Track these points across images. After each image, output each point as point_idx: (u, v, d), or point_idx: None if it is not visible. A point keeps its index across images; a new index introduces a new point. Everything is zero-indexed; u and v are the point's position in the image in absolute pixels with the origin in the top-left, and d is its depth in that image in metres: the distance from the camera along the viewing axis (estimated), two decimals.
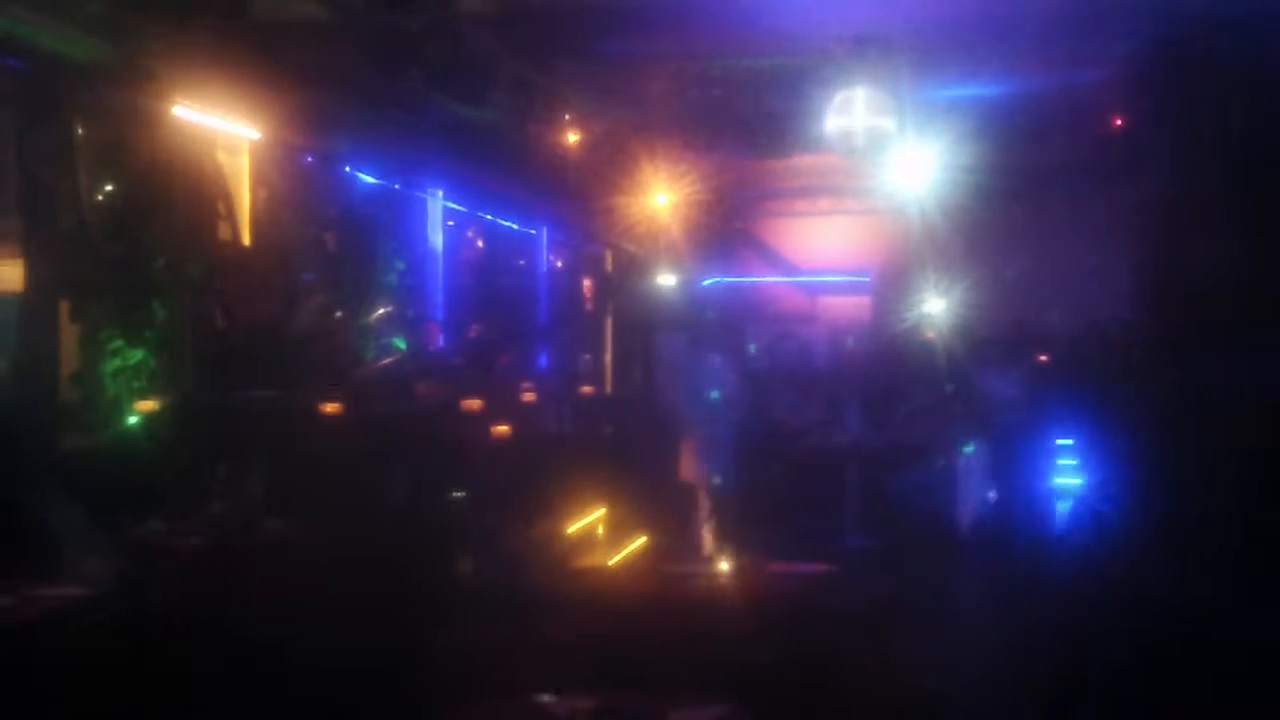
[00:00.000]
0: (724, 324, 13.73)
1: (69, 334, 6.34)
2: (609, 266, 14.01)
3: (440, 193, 9.62)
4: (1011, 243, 11.05)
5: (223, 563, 4.77)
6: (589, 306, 13.85)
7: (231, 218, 7.61)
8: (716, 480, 8.58)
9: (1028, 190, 10.51)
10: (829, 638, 4.19)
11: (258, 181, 7.81)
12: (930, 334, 11.15)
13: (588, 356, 13.50)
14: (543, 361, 11.64)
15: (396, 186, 9.09)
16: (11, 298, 6.35)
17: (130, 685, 3.73)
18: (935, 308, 11.14)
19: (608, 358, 13.86)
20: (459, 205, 10.13)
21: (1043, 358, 9.62)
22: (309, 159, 8.38)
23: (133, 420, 6.22)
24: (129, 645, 3.82)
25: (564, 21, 8.16)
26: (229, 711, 4.06)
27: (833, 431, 9.23)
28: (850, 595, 4.66)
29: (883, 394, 9.40)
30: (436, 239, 9.61)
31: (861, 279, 13.67)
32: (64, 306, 6.29)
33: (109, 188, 6.72)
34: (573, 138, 9.79)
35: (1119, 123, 8.76)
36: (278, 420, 6.36)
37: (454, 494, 6.35)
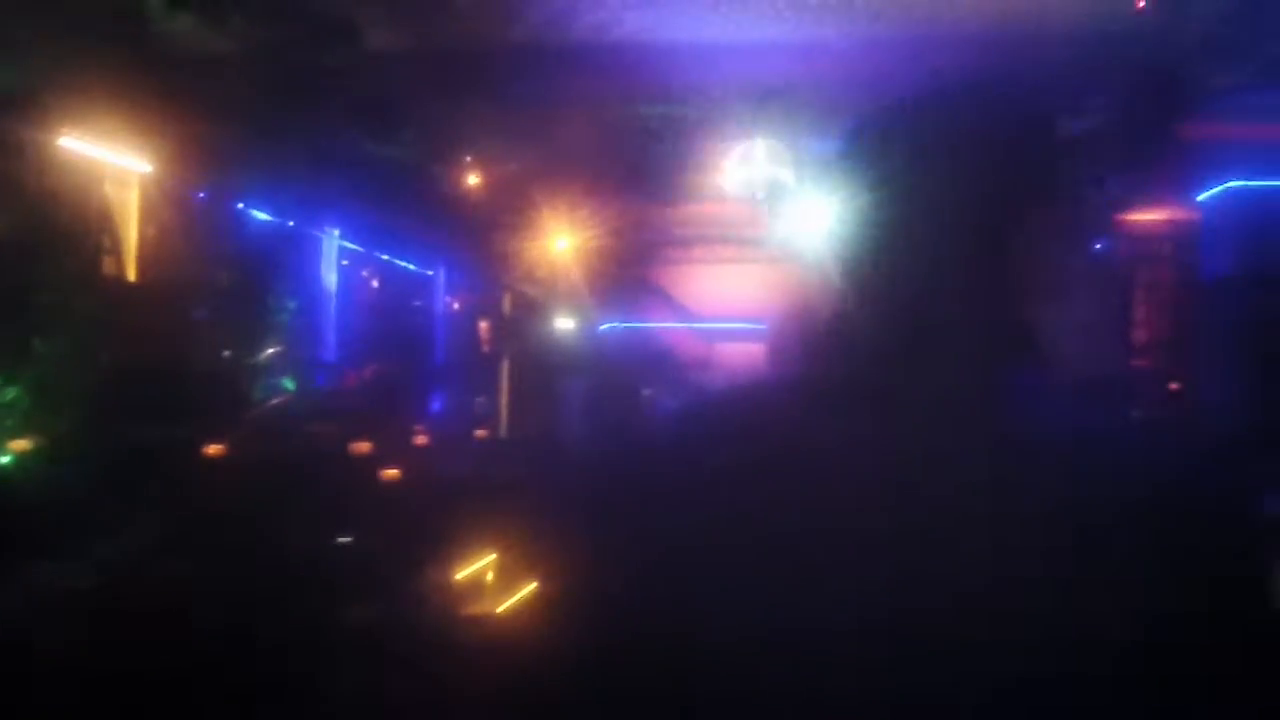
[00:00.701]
0: (621, 369, 13.78)
1: None
2: (507, 309, 13.95)
3: (336, 231, 9.50)
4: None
5: (110, 604, 4.61)
6: (486, 348, 13.76)
7: (118, 253, 7.40)
8: (611, 522, 8.55)
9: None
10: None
11: (147, 216, 7.62)
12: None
13: (483, 399, 13.39)
14: (437, 403, 11.51)
15: (291, 224, 8.95)
16: None
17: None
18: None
19: (504, 400, 13.77)
20: (355, 244, 10.01)
21: None
22: (202, 194, 8.21)
23: (4, 460, 5.98)
24: (13, 685, 3.67)
25: (471, 63, 8.17)
26: None
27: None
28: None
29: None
30: (331, 278, 9.48)
31: (758, 326, 13.85)
32: None
33: None
34: (474, 179, 9.78)
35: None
36: (164, 460, 6.17)
37: (341, 538, 6.22)
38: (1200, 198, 9.10)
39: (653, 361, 14.42)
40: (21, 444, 6.00)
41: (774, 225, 10.29)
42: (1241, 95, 7.01)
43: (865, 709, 0.90)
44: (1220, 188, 8.91)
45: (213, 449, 6.33)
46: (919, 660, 0.90)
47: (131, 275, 7.47)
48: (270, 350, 8.61)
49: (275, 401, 8.24)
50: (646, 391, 14.15)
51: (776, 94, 8.43)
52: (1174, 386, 9.20)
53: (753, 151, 8.63)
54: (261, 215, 8.67)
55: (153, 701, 4.07)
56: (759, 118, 8.60)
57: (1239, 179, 8.78)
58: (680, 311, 14.59)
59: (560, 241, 11.04)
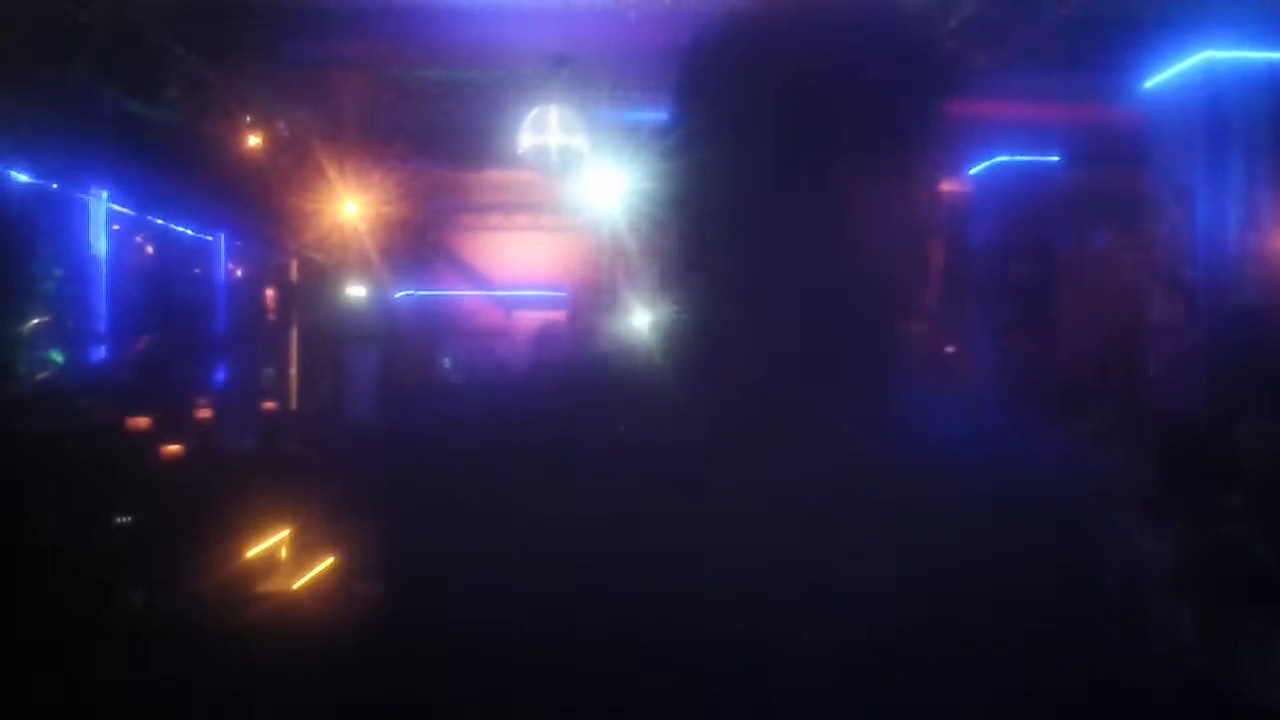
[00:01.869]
0: (417, 337, 13.55)
1: None
2: (294, 276, 13.48)
3: (105, 194, 8.93)
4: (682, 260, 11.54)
5: None
6: (272, 318, 13.27)
7: None
8: (405, 494, 8.42)
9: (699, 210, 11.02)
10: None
11: None
12: (615, 346, 11.42)
13: (271, 370, 12.93)
14: (221, 375, 11.04)
15: (55, 186, 8.36)
16: None
17: None
18: (633, 321, 11.45)
19: (293, 371, 13.33)
20: (127, 208, 9.44)
21: None
22: None
23: None
24: None
25: (247, 20, 7.80)
26: None
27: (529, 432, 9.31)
28: None
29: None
30: (100, 244, 8.91)
31: (557, 294, 13.89)
32: None
33: None
34: (254, 141, 9.37)
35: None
36: None
37: (117, 520, 5.89)
38: (972, 171, 9.64)
39: (449, 330, 14.26)
40: None
41: (569, 193, 10.30)
42: (1007, 76, 7.44)
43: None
44: (987, 163, 9.46)
45: None
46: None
47: None
48: (34, 321, 8.03)
49: (41, 375, 7.71)
50: (444, 360, 13.98)
51: (568, 59, 8.42)
52: (949, 350, 9.75)
53: (546, 118, 8.59)
54: (21, 176, 8.05)
55: None
56: (551, 83, 8.57)
57: (1005, 154, 9.35)
58: (477, 279, 14.46)
59: (351, 207, 10.73)
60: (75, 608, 4.89)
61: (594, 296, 12.77)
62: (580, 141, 8.56)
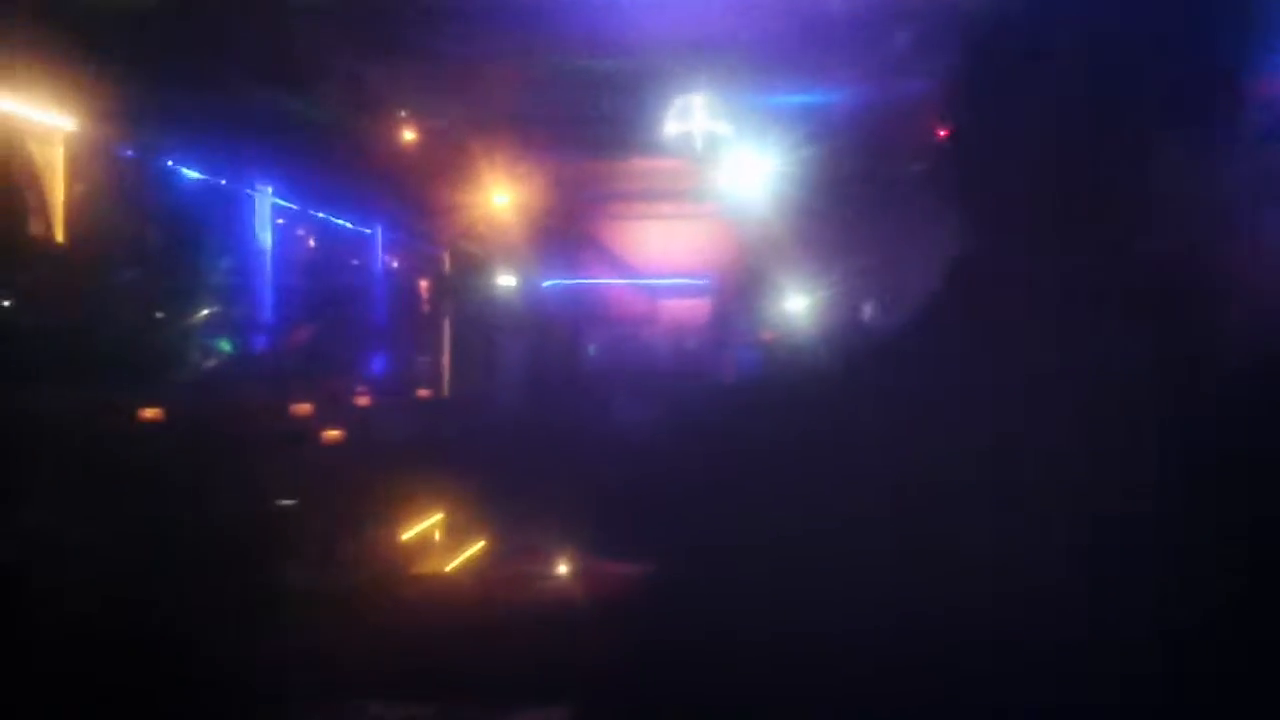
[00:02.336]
0: (565, 325, 13.75)
1: None
2: (447, 267, 13.83)
3: (270, 189, 9.32)
4: (843, 246, 11.38)
5: (38, 569, 4.52)
6: (426, 308, 13.65)
7: (44, 212, 7.20)
8: (557, 480, 8.56)
9: (859, 195, 10.85)
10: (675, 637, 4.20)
11: (74, 175, 7.41)
12: (769, 335, 11.39)
13: (425, 358, 13.30)
14: (377, 364, 11.40)
15: (223, 182, 8.76)
16: None
17: None
18: (776, 309, 11.37)
19: (445, 360, 13.68)
20: (290, 202, 9.83)
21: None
22: (131, 152, 8.01)
23: None
24: None
25: (400, 17, 8.02)
26: None
27: (673, 431, 9.32)
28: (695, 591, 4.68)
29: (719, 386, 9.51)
30: (265, 237, 9.31)
31: (701, 282, 13.88)
32: None
33: None
34: (409, 135, 9.63)
35: (942, 132, 9.12)
36: (97, 423, 6.04)
37: (283, 500, 6.15)
38: None
39: (596, 318, 14.41)
40: None
41: (714, 179, 10.28)
42: None
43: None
44: None
45: (149, 413, 6.22)
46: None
47: (59, 235, 7.28)
48: (205, 311, 8.45)
49: (211, 363, 8.10)
50: (590, 348, 14.14)
51: (713, 46, 8.39)
52: None
53: (690, 104, 8.58)
54: (192, 173, 8.47)
55: (81, 672, 4.01)
56: (698, 71, 8.56)
57: None
58: (622, 267, 14.57)
59: (500, 197, 10.94)
60: (240, 583, 5.13)
61: (739, 285, 12.72)
62: (724, 128, 8.53)
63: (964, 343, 0.94)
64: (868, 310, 9.99)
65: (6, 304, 6.41)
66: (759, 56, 8.53)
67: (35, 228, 7.15)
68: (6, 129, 6.42)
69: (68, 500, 4.96)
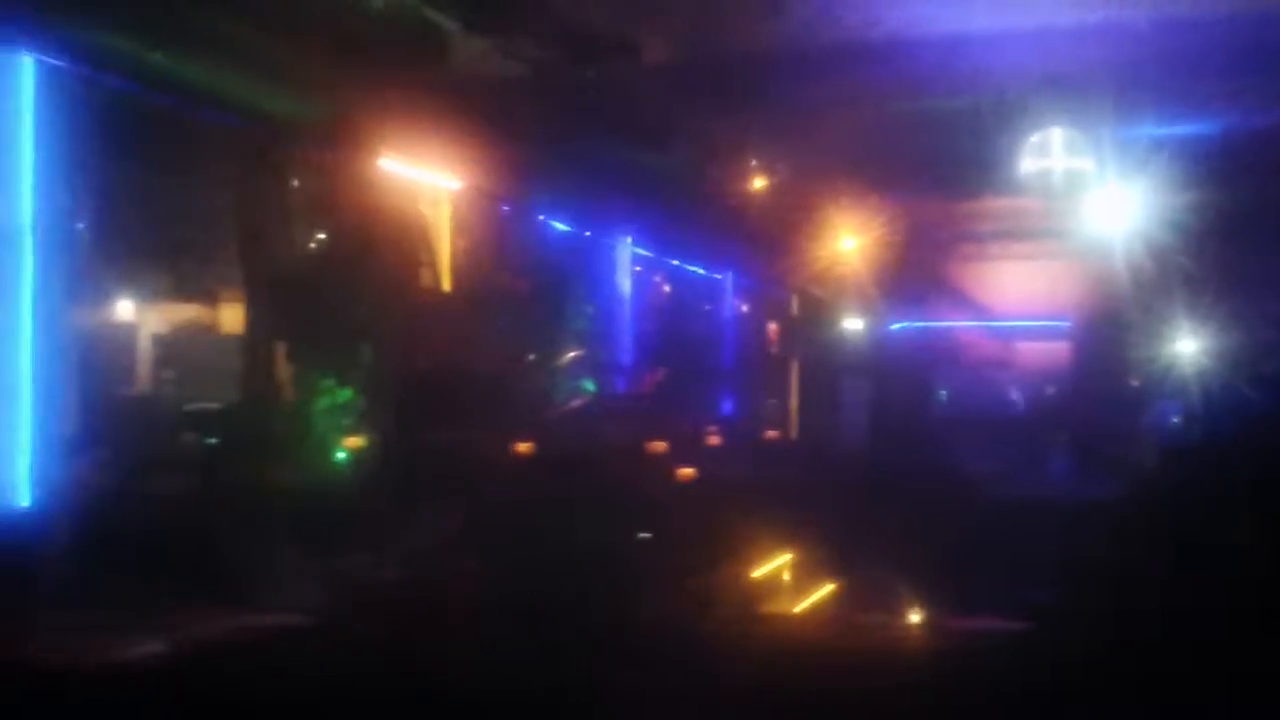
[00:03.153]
0: (913, 369, 13.48)
1: (284, 374, 6.72)
2: (794, 310, 13.96)
3: (629, 239, 9.81)
4: (1224, 285, 10.46)
5: (421, 595, 4.93)
6: (774, 350, 13.82)
7: (433, 265, 7.95)
8: (904, 526, 8.38)
9: (1240, 231, 9.95)
10: (1022, 700, 4.02)
11: (457, 230, 8.14)
12: (1136, 380, 10.66)
13: (772, 400, 13.46)
14: (727, 405, 11.66)
15: (587, 234, 9.32)
16: (233, 339, 6.77)
17: (336, 707, 3.90)
18: (1148, 351, 10.58)
19: (793, 402, 13.78)
20: (646, 251, 10.31)
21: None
22: (505, 208, 8.69)
23: (340, 456, 6.53)
24: (335, 669, 3.99)
25: (745, 69, 8.24)
26: None
27: (1029, 481, 8.88)
28: (1044, 654, 4.46)
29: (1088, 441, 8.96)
30: (624, 284, 9.80)
31: (1060, 324, 13.20)
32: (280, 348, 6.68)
33: (321, 237, 7.12)
34: (758, 183, 9.84)
35: None
36: (473, 459, 6.57)
37: (639, 534, 6.41)
38: None
39: (944, 361, 14.03)
40: (353, 441, 6.53)
41: (1073, 218, 9.77)
42: None
43: None
44: None
45: (521, 447, 6.68)
46: None
47: (445, 285, 8.00)
48: (570, 354, 9.00)
49: (576, 402, 8.60)
50: (941, 392, 13.78)
51: (1072, 80, 8.02)
52: None
53: (1048, 141, 8.24)
54: (560, 226, 9.08)
55: (451, 692, 4.32)
56: (1054, 106, 8.21)
57: None
58: (974, 309, 14.12)
59: (848, 241, 10.94)
60: (597, 610, 5.36)
61: (1102, 327, 11.98)
62: (1085, 164, 8.12)
63: None
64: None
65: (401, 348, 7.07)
66: (1123, 87, 8.06)
67: (425, 279, 7.91)
68: (400, 190, 7.12)
69: (451, 523, 5.39)
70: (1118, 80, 7.90)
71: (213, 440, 7.32)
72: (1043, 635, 4.94)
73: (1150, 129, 8.35)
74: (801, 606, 6.71)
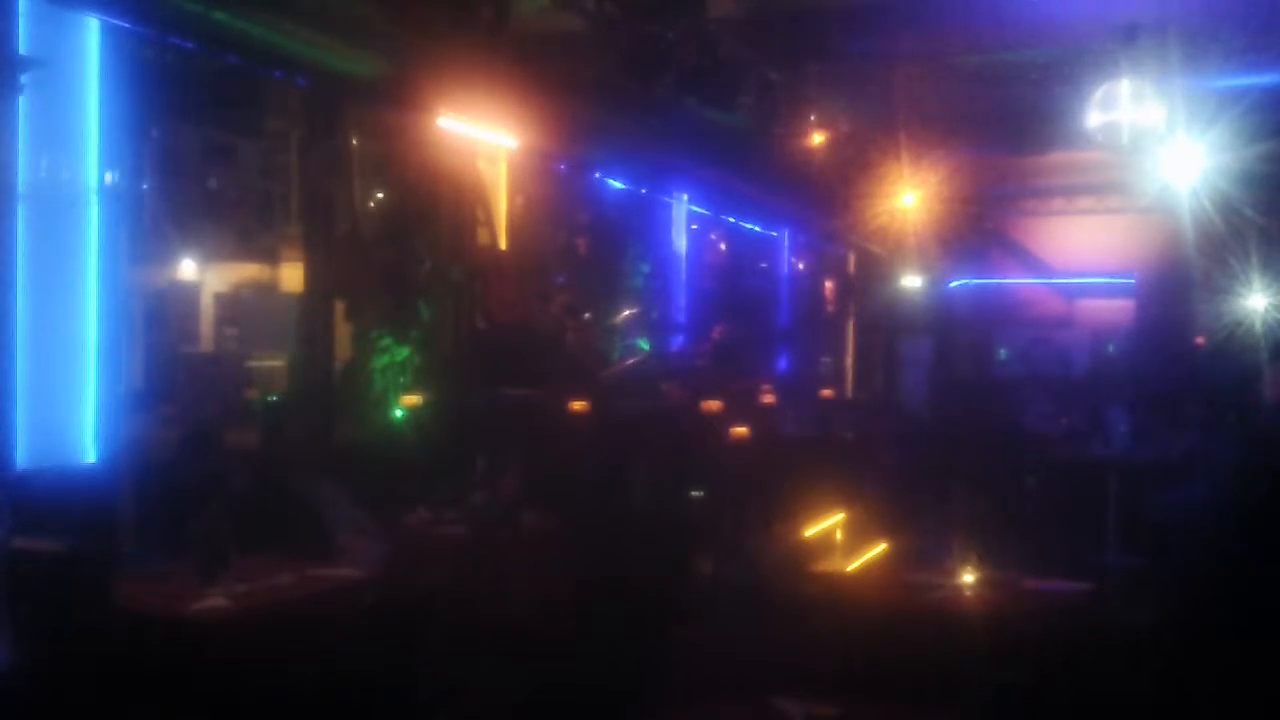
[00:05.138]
0: (972, 327, 13.32)
1: (343, 331, 6.81)
2: (852, 268, 13.83)
3: (685, 197, 9.77)
4: None
5: (481, 552, 4.99)
6: (830, 309, 13.73)
7: (490, 224, 7.98)
8: (963, 489, 8.31)
9: None
10: (1087, 662, 3.98)
11: (514, 189, 8.16)
12: (1201, 339, 10.45)
13: (828, 359, 13.38)
14: (783, 364, 11.62)
15: (643, 192, 9.29)
16: (293, 297, 6.86)
17: (398, 662, 3.97)
18: (1215, 309, 10.35)
19: (849, 360, 13.69)
20: (702, 209, 10.25)
21: None
22: (562, 166, 8.68)
23: (398, 413, 6.61)
24: (397, 625, 4.07)
25: (810, 22, 8.13)
26: (481, 693, 4.26)
27: (1092, 442, 8.75)
28: (1110, 618, 4.42)
29: (1152, 403, 8.80)
30: (680, 242, 9.76)
31: (1125, 281, 12.95)
32: (339, 306, 6.76)
33: (380, 196, 7.17)
34: (817, 139, 9.74)
35: None
36: (531, 416, 6.62)
37: (693, 492, 6.43)
38: None
39: (1005, 319, 13.85)
40: (412, 399, 6.61)
41: (1141, 172, 9.56)
42: None
43: None
44: None
45: (577, 405, 6.71)
46: None
47: (502, 244, 8.03)
48: (626, 312, 9.01)
49: (631, 361, 8.62)
50: (1000, 351, 13.61)
51: (1141, 31, 7.80)
52: None
53: (1116, 93, 8.03)
54: (616, 184, 9.05)
55: (507, 644, 4.39)
56: (1123, 57, 7.99)
57: None
58: (1036, 266, 13.90)
59: (907, 197, 10.79)
60: (650, 567, 5.40)
61: (1168, 284, 11.74)
62: (1155, 117, 7.92)
63: None
64: None
65: (459, 306, 7.12)
66: (1193, 38, 7.84)
67: (483, 238, 7.94)
68: (459, 149, 7.14)
69: (507, 480, 5.44)
70: (1188, 31, 7.68)
71: (273, 397, 7.44)
72: (1104, 597, 4.90)
73: (1219, 81, 8.12)
74: (855, 565, 6.70)
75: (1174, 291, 11.31)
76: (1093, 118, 8.02)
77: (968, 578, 4.50)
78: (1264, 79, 8.02)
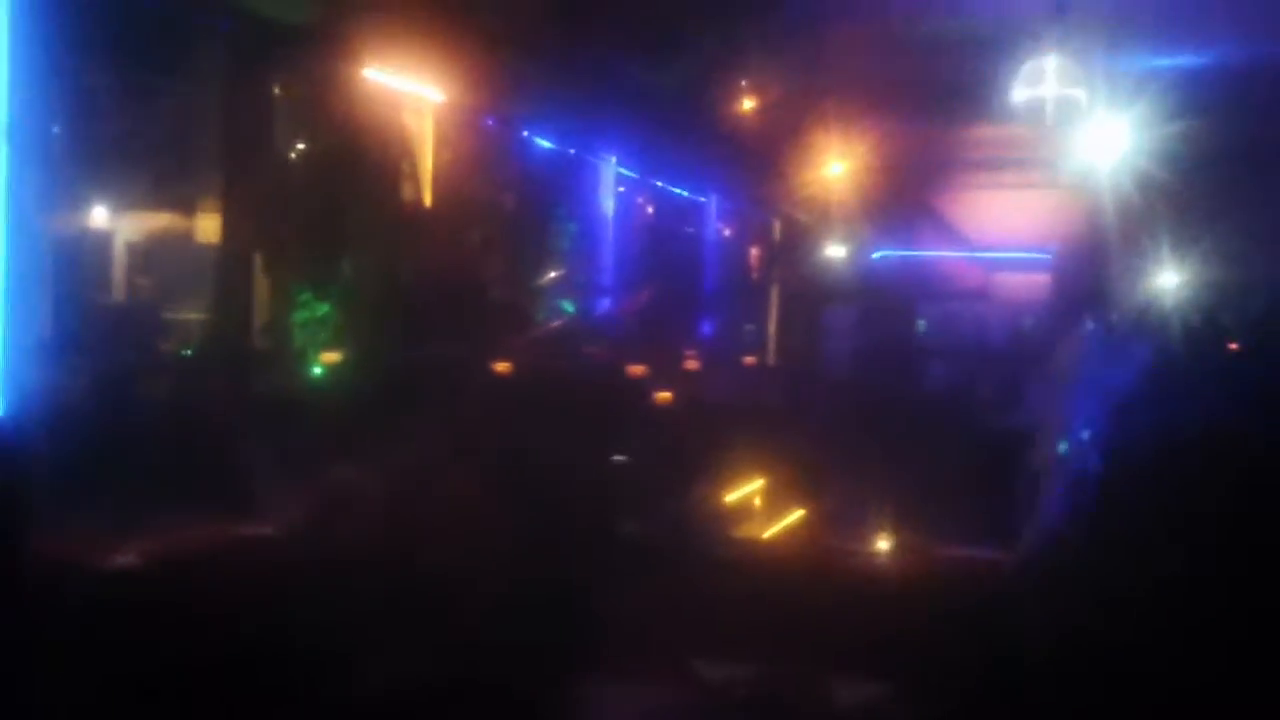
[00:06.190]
0: (895, 298, 13.49)
1: (263, 286, 6.66)
2: (777, 236, 13.90)
3: (613, 158, 9.70)
4: (1211, 224, 10.46)
5: (400, 511, 4.95)
6: (755, 276, 13.78)
7: (415, 179, 7.84)
8: (882, 457, 8.44)
9: (1231, 170, 9.91)
10: (999, 627, 4.07)
11: (440, 144, 8.01)
12: (1114, 314, 10.69)
13: (752, 326, 13.45)
14: (707, 329, 11.65)
15: (571, 152, 9.20)
16: (211, 248, 6.70)
17: (313, 620, 3.93)
18: (1127, 289, 10.59)
19: (772, 328, 13.78)
20: (630, 171, 10.20)
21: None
22: (489, 123, 8.56)
23: (318, 370, 6.51)
24: (313, 583, 4.02)
25: None
26: (404, 648, 4.24)
27: (1007, 413, 8.93)
28: (1024, 583, 4.52)
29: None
30: (608, 204, 9.71)
31: (1042, 256, 13.19)
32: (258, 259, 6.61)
33: (302, 146, 7.00)
34: (748, 104, 9.73)
35: None
36: (453, 375, 6.55)
37: (616, 456, 6.44)
38: None
39: (926, 292, 14.04)
40: (331, 356, 6.50)
41: (1063, 148, 9.72)
42: None
43: None
44: None
45: (499, 366, 6.67)
46: None
47: (426, 200, 7.90)
48: (552, 273, 8.94)
49: (556, 323, 8.56)
50: (921, 323, 13.81)
51: (1068, 6, 7.91)
52: None
53: (1042, 68, 8.14)
54: (545, 143, 8.95)
55: (427, 598, 4.37)
56: (1050, 33, 8.10)
57: None
58: (957, 239, 14.10)
59: (834, 166, 10.85)
60: (571, 529, 5.40)
61: (1084, 261, 11.99)
62: (1078, 94, 8.04)
63: None
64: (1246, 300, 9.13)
65: (381, 263, 7.00)
66: (1120, 15, 7.97)
67: (407, 193, 7.80)
68: (383, 101, 7.00)
69: (432, 439, 5.39)
70: (1114, 8, 7.80)
71: (189, 350, 7.26)
72: (1019, 563, 5.00)
73: (1145, 60, 8.27)
74: (773, 531, 6.78)
75: (1088, 268, 11.55)
76: (1018, 92, 8.12)
77: (883, 544, 4.57)
78: (1181, 60, 8.20)
